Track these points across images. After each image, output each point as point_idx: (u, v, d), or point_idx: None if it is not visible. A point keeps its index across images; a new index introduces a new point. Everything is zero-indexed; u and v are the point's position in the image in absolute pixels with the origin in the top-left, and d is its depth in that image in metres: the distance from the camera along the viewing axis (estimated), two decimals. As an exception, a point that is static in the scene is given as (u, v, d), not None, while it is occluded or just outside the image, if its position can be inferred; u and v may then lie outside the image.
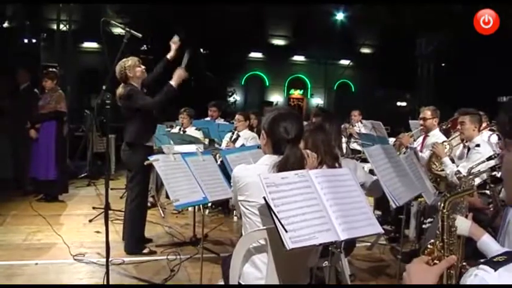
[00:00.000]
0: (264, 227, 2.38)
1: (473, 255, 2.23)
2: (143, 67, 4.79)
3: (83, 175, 8.56)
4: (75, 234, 5.44)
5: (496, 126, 3.82)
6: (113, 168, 8.87)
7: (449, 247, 1.57)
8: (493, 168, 3.52)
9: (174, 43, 4.95)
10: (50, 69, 7.16)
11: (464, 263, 1.72)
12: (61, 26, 12.07)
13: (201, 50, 20.13)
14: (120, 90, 4.65)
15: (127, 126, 4.80)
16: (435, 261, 1.52)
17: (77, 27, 17.65)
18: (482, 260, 1.12)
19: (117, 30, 19.01)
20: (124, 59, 4.63)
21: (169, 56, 4.96)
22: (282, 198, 2.17)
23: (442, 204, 1.61)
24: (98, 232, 5.46)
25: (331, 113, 3.98)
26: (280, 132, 2.54)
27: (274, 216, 2.08)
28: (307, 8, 20.90)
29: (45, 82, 6.77)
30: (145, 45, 17.60)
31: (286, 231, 2.05)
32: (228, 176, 3.80)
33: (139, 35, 3.66)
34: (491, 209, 3.48)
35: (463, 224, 2.25)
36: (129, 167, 4.88)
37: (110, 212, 5.97)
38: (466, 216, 2.32)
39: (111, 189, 6.52)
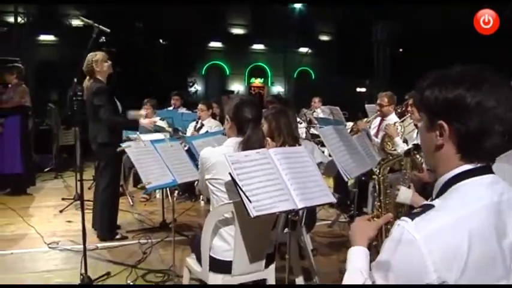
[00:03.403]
0: (231, 201, 2.65)
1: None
2: (110, 62, 4.94)
3: (48, 168, 8.60)
4: (47, 224, 5.58)
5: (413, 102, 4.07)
6: (78, 160, 8.92)
7: (386, 206, 1.88)
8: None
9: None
10: (14, 64, 7.18)
11: None
12: (18, 19, 11.90)
13: (161, 40, 20.14)
14: (87, 83, 4.79)
15: (92, 125, 4.92)
16: (374, 218, 1.82)
17: (33, 20, 17.43)
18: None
19: (75, 23, 18.96)
20: (92, 53, 4.75)
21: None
22: (245, 173, 2.44)
23: (378, 170, 1.91)
24: (69, 222, 5.63)
25: (287, 101, 4.25)
26: (243, 115, 2.86)
27: (239, 189, 2.35)
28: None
29: (8, 77, 6.81)
30: (103, 37, 17.42)
31: (250, 202, 2.33)
32: (194, 161, 4.06)
33: (108, 30, 3.81)
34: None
35: (406, 194, 2.55)
36: (100, 158, 5.02)
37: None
38: (409, 187, 2.63)
39: (79, 180, 6.69)
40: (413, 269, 1.23)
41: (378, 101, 6.13)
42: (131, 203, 6.45)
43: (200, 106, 6.71)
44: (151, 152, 3.84)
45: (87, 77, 4.84)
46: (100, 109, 4.73)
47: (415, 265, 1.22)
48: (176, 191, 6.31)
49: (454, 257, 1.22)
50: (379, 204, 1.86)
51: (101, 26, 3.77)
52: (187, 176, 3.92)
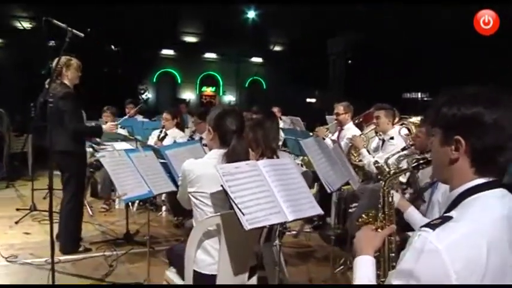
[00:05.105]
0: (218, 214, 2.60)
1: (405, 226, 2.63)
2: (80, 74, 4.83)
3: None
4: (3, 236, 5.32)
5: (425, 118, 4.25)
6: (30, 169, 8.60)
7: (390, 218, 1.91)
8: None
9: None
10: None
11: None
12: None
13: (113, 46, 19.75)
14: (53, 86, 4.55)
15: (58, 131, 4.56)
16: (378, 229, 1.85)
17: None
18: (423, 224, 1.42)
19: (24, 25, 18.33)
20: (67, 57, 4.61)
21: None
22: (237, 185, 2.40)
23: (383, 183, 1.94)
24: (26, 233, 5.40)
25: (272, 111, 4.26)
26: (226, 125, 2.81)
27: (232, 202, 2.31)
28: (218, 5, 21.13)
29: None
30: (53, 41, 16.92)
31: (243, 214, 2.29)
32: (166, 171, 3.98)
33: (82, 35, 3.68)
34: (409, 193, 3.92)
35: (395, 198, 2.63)
36: (62, 169, 4.81)
37: (36, 212, 5.97)
38: (397, 191, 2.69)
39: (34, 189, 6.46)
40: (436, 278, 1.27)
41: (335, 111, 6.31)
42: (91, 213, 6.25)
43: (165, 115, 6.57)
44: (125, 162, 3.74)
45: (53, 79, 4.60)
46: (65, 115, 4.55)
47: (437, 273, 1.27)
48: (137, 201, 6.19)
49: (474, 266, 1.28)
50: (383, 215, 1.90)
51: (74, 30, 3.63)
52: (162, 187, 3.84)
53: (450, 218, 1.37)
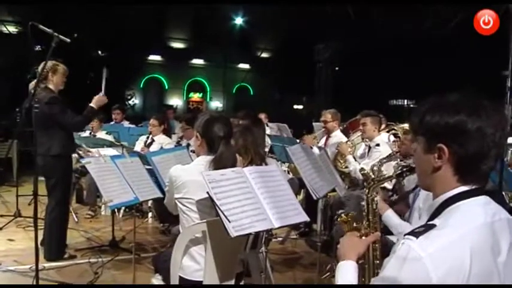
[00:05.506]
0: (204, 221, 2.60)
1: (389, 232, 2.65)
2: (65, 80, 4.79)
3: (-18, 183, 8.13)
4: (-14, 243, 5.27)
5: (409, 126, 4.30)
6: (15, 175, 8.52)
7: (374, 225, 1.92)
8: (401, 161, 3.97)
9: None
10: None
11: None
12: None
13: (99, 52, 19.64)
14: (39, 90, 4.47)
15: (47, 136, 4.55)
16: (363, 237, 1.87)
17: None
18: (407, 232, 1.43)
19: (10, 29, 18.20)
20: (54, 62, 4.58)
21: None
22: (222, 192, 2.41)
23: (367, 191, 1.96)
24: (10, 240, 5.34)
25: (259, 117, 4.28)
26: (214, 131, 2.82)
27: (218, 209, 2.32)
28: (206, 11, 21.15)
29: None
30: (39, 46, 16.75)
31: (229, 222, 2.29)
32: (152, 177, 3.97)
33: (68, 40, 3.66)
34: (393, 198, 3.95)
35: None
36: (49, 175, 4.73)
37: (20, 218, 5.91)
38: (377, 193, 2.71)
39: (19, 195, 6.40)
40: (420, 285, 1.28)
41: (322, 118, 6.32)
42: (76, 220, 6.20)
43: (152, 121, 6.55)
44: (111, 169, 3.72)
45: (36, 82, 4.53)
46: (58, 118, 4.53)
47: (421, 281, 1.28)
48: (123, 208, 6.16)
49: (458, 272, 1.29)
50: (367, 223, 1.90)
51: (60, 36, 3.61)
52: (148, 194, 3.84)
53: (433, 226, 1.37)
